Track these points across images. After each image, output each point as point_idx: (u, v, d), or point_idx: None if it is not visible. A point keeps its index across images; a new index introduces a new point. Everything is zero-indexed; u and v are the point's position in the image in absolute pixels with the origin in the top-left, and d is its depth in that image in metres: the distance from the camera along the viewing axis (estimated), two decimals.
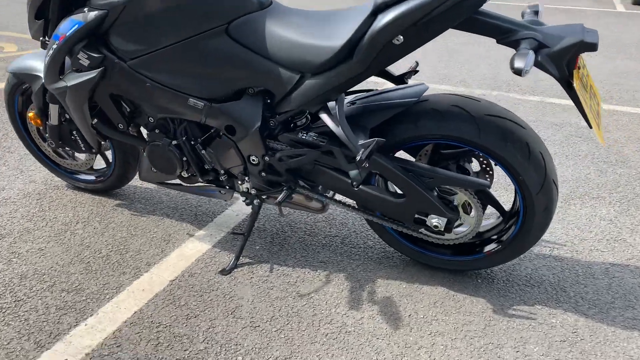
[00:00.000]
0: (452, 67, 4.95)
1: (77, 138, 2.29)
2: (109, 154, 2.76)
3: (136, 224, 2.33)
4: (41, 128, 2.35)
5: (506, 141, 1.65)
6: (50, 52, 1.87)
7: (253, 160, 1.91)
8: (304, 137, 1.82)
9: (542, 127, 3.54)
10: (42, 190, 2.59)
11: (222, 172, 2.00)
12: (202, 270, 2.03)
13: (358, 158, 1.65)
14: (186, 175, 2.07)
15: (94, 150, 2.27)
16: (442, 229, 1.81)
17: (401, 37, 1.51)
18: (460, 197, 1.79)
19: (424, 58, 5.26)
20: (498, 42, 1.52)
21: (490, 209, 2.30)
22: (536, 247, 2.20)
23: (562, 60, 1.47)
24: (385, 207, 1.84)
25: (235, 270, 2.03)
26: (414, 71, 1.98)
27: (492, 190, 2.65)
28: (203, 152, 1.95)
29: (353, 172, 1.81)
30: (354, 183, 1.83)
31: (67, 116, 2.24)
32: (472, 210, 1.81)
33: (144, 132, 2.19)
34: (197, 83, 1.80)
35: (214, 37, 1.73)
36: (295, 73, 1.71)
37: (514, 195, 1.97)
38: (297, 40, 1.67)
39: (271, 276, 2.00)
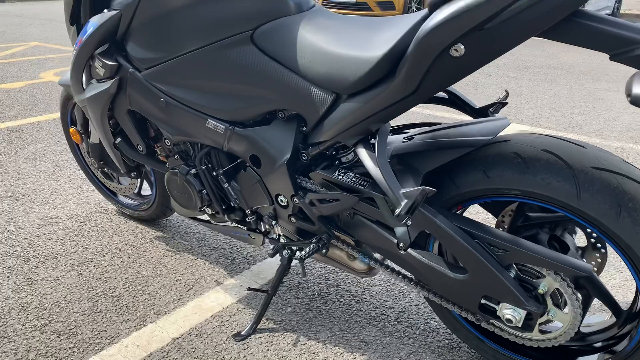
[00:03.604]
0: (587, 114, 4.21)
1: None
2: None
3: (166, 262, 2.03)
4: (81, 146, 2.18)
5: (620, 209, 1.10)
6: (72, 59, 1.66)
7: (281, 201, 1.52)
8: (340, 177, 1.40)
9: None
10: (90, 213, 2.42)
11: (249, 212, 1.63)
12: (214, 331, 1.65)
13: (397, 211, 1.19)
14: (210, 212, 1.73)
15: (132, 174, 2.03)
16: (519, 325, 1.26)
17: (462, 47, 1.05)
18: (549, 282, 1.24)
19: (555, 102, 4.56)
20: (612, 57, 0.99)
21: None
22: None
23: None
24: (440, 284, 1.34)
25: (252, 336, 1.63)
26: (501, 103, 1.48)
27: (603, 275, 1.99)
28: (227, 185, 1.60)
29: (400, 230, 1.35)
30: (401, 245, 1.36)
31: None
32: (567, 304, 1.25)
33: None
34: (218, 101, 1.47)
35: (237, 45, 1.39)
36: (329, 93, 1.30)
37: (635, 290, 1.34)
38: (329, 51, 1.27)
39: (293, 351, 1.57)
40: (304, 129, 1.43)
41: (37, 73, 5.51)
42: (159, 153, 1.77)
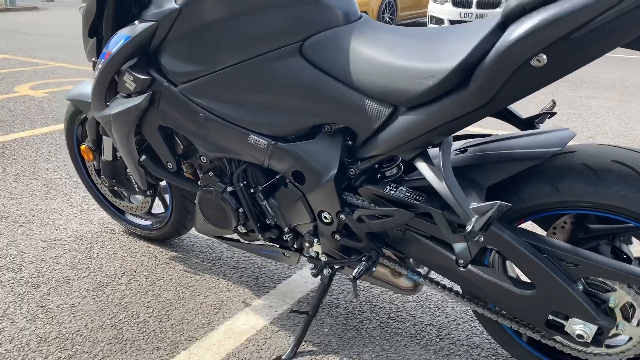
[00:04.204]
0: (576, 121, 4.28)
1: (132, 177, 1.98)
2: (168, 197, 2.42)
3: (187, 283, 1.94)
4: (93, 163, 2.07)
5: None
6: (96, 73, 1.57)
7: (325, 217, 1.46)
8: (392, 192, 1.35)
9: None
10: (96, 233, 2.30)
11: (287, 229, 1.57)
12: (252, 356, 1.58)
13: (469, 228, 1.14)
14: (243, 231, 1.66)
15: (148, 193, 1.93)
16: (589, 340, 1.24)
17: (544, 57, 1.02)
18: (620, 296, 1.21)
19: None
20: None
21: None
22: None
23: None
24: (503, 300, 1.31)
25: None
26: (549, 113, 1.46)
27: None
28: (264, 203, 1.54)
29: (459, 246, 1.31)
30: (460, 261, 1.31)
31: None
32: (636, 316, 1.22)
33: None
34: (261, 115, 1.41)
35: (284, 58, 1.33)
36: (386, 106, 1.26)
37: None
38: (388, 63, 1.23)
39: None
40: (350, 142, 1.38)
41: (10, 87, 5.31)
42: (185, 170, 1.69)
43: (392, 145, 1.28)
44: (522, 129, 1.43)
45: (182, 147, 1.62)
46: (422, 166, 1.26)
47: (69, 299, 1.84)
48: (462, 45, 1.14)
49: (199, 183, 1.63)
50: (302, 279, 1.98)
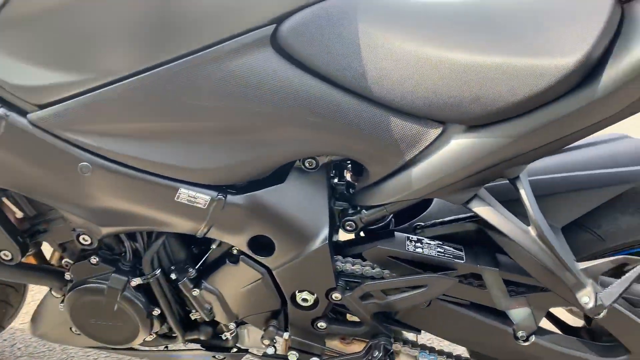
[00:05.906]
0: None
1: None
2: None
3: None
4: None
5: None
6: None
7: (304, 300, 0.94)
8: (418, 250, 0.91)
9: None
10: None
11: (233, 325, 1.00)
12: None
13: (588, 301, 0.78)
14: (150, 339, 1.02)
15: None
16: None
17: None
18: None
19: None
20: None
21: None
22: None
23: None
24: None
25: None
26: None
27: None
28: (195, 291, 0.94)
29: (519, 313, 0.95)
30: (520, 333, 0.94)
31: None
32: None
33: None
34: (200, 154, 0.81)
35: (244, 54, 0.75)
36: (430, 125, 0.80)
37: None
38: (439, 57, 0.76)
39: None
40: (337, 180, 0.91)
41: None
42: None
43: (437, 184, 0.83)
44: None
45: (25, 218, 0.90)
46: (486, 212, 0.84)
47: None
48: (573, 29, 0.74)
49: (67, 276, 0.94)
50: None
